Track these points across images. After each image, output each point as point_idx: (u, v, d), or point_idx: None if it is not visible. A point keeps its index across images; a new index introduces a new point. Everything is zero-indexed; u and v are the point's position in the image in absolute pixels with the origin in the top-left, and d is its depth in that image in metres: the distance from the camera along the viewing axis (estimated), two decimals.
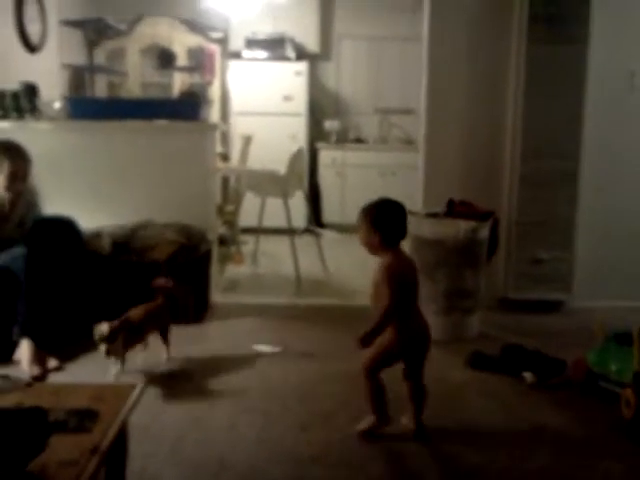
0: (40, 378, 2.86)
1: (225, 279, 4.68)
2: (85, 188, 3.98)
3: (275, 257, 5.40)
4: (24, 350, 2.99)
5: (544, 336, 3.43)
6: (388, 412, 2.40)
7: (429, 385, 2.46)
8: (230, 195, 5.80)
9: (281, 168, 4.92)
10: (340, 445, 2.34)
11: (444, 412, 2.63)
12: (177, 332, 3.40)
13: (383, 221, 2.38)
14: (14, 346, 3.02)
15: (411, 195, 4.30)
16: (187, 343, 3.33)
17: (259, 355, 3.23)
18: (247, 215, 5.52)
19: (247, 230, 5.66)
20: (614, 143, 4.07)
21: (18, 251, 3.14)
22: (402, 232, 2.42)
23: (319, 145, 6.89)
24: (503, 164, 4.03)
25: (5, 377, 1.90)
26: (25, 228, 3.32)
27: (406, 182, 5.85)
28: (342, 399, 2.72)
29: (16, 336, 3.02)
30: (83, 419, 1.63)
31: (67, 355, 3.09)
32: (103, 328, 2.64)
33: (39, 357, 2.97)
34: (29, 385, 1.89)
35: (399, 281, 2.30)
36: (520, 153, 3.93)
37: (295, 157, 5.02)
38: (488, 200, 3.83)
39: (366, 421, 2.40)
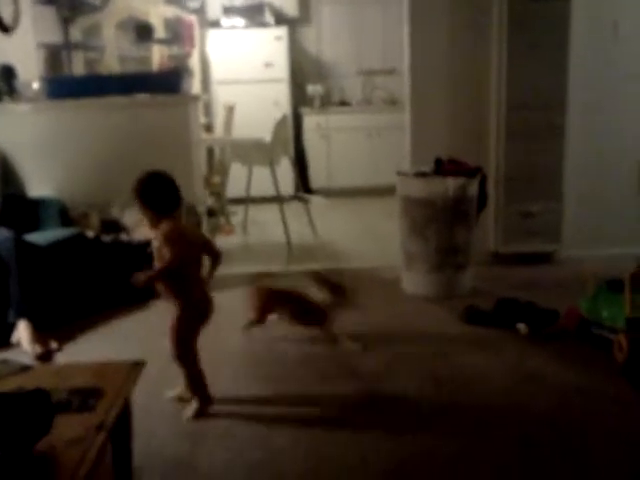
0: (44, 357, 2.88)
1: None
2: (68, 168, 3.95)
3: (265, 226, 5.40)
4: (23, 331, 3.00)
5: (536, 288, 3.47)
6: (208, 392, 2.40)
7: (424, 340, 2.49)
8: (216, 166, 5.76)
9: (266, 136, 4.89)
10: (338, 406, 2.36)
11: (441, 366, 2.68)
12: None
13: (150, 195, 2.36)
14: (10, 329, 3.03)
15: (398, 155, 4.30)
16: None
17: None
18: (234, 185, 5.50)
19: (235, 200, 5.64)
20: (599, 93, 4.06)
21: (3, 234, 3.12)
22: (172, 202, 2.38)
23: (303, 110, 6.83)
24: (489, 119, 4.01)
25: (4, 361, 1.90)
26: None
27: (393, 143, 5.85)
28: (337, 360, 2.76)
29: (12, 318, 3.03)
30: (86, 398, 1.64)
31: (64, 336, 3.10)
32: None
33: (39, 337, 2.98)
34: (30, 367, 1.90)
35: (179, 240, 2.29)
36: (505, 107, 3.91)
37: (279, 124, 4.98)
38: (476, 156, 3.83)
39: (191, 407, 2.37)
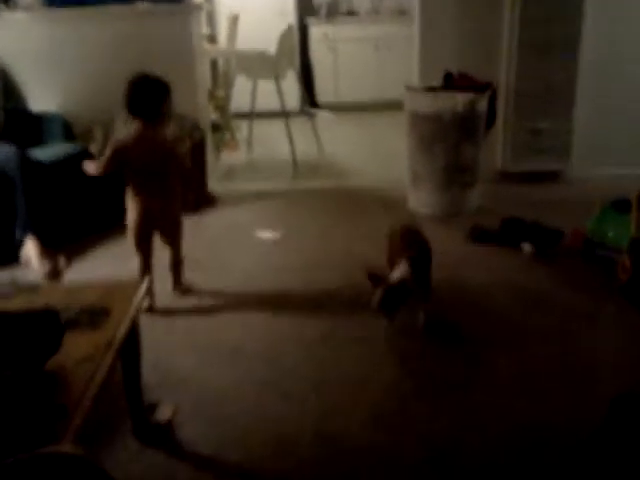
0: (53, 273, 2.91)
1: (221, 167, 4.64)
2: (69, 80, 3.86)
3: (270, 141, 5.33)
4: (31, 247, 3.01)
5: (543, 207, 3.44)
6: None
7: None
8: (220, 79, 5.61)
9: (271, 48, 4.73)
10: (345, 323, 2.41)
11: (446, 285, 2.70)
12: None
13: (135, 100, 2.48)
14: (18, 247, 3.05)
15: (407, 69, 4.17)
16: (188, 232, 3.36)
17: (261, 241, 3.27)
18: (239, 99, 5.38)
19: (240, 115, 5.54)
20: (616, 8, 3.87)
21: (7, 150, 3.09)
22: (155, 107, 2.48)
23: (309, 20, 6.58)
24: (501, 32, 3.85)
25: (13, 279, 1.92)
26: None
27: (402, 55, 5.64)
28: (345, 276, 2.79)
29: (19, 235, 3.04)
30: (95, 316, 1.66)
31: (71, 253, 3.11)
32: None
33: (48, 253, 3.00)
34: (38, 286, 1.92)
35: (120, 148, 2.47)
36: (519, 19, 3.75)
37: (285, 35, 4.82)
38: (486, 71, 3.72)
39: None
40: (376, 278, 2.29)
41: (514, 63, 3.83)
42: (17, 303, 1.64)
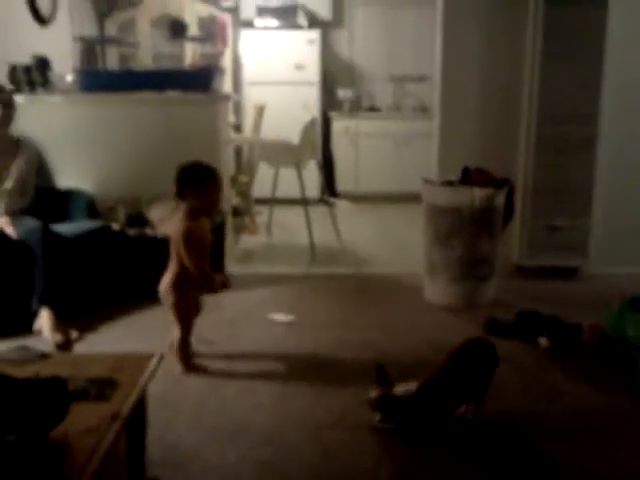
0: (64, 345, 2.91)
1: (239, 250, 4.70)
2: (97, 161, 4.00)
3: (289, 227, 5.41)
4: (45, 319, 3.03)
5: (560, 302, 3.42)
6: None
7: (445, 348, 2.46)
8: (243, 166, 5.79)
9: (294, 138, 4.89)
10: (356, 411, 2.36)
11: None
12: None
13: (190, 178, 2.65)
14: (33, 317, 3.07)
15: (426, 164, 4.27)
16: (205, 312, 3.36)
17: (275, 324, 3.26)
18: (261, 186, 5.52)
19: (261, 201, 5.66)
20: (634, 108, 3.99)
21: (32, 223, 3.17)
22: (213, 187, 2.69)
23: (332, 114, 6.83)
24: (519, 130, 3.96)
25: (24, 347, 1.92)
26: (28, 188, 3.38)
27: (420, 151, 5.82)
28: (357, 366, 2.74)
29: (35, 306, 3.07)
30: (103, 388, 1.65)
31: (85, 326, 3.13)
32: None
33: (60, 326, 3.02)
34: (48, 355, 1.91)
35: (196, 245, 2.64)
36: (537, 118, 3.86)
37: (308, 127, 4.99)
38: (504, 167, 3.79)
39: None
40: (382, 376, 2.26)
41: (531, 160, 3.91)
42: (26, 370, 1.64)
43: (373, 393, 2.24)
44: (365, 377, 2.56)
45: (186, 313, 2.69)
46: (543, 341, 2.94)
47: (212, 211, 2.77)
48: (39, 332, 3.02)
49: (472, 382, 2.29)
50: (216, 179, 2.68)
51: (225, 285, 2.67)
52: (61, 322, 3.03)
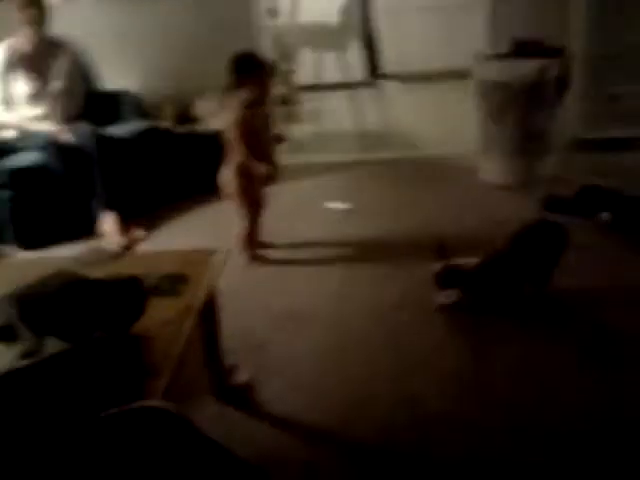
0: (129, 247, 3.01)
1: (290, 139, 4.66)
2: (139, 59, 3.96)
3: (336, 113, 5.30)
4: (108, 222, 3.12)
5: (622, 175, 3.31)
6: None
7: (503, 228, 2.45)
8: (284, 53, 5.61)
9: (334, 18, 4.69)
10: (419, 291, 2.40)
11: None
12: None
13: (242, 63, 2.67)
14: (94, 221, 3.16)
15: (476, 36, 4.06)
16: None
17: (332, 212, 3.28)
18: (304, 72, 5.37)
19: (305, 88, 5.53)
20: None
21: (86, 128, 3.20)
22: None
23: None
24: None
25: (96, 249, 2.00)
26: (76, 90, 3.40)
27: (471, 22, 5.50)
28: (416, 248, 2.76)
29: (96, 210, 3.15)
30: (175, 283, 1.71)
31: (146, 225, 3.22)
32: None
33: (125, 227, 3.11)
34: (119, 255, 1.99)
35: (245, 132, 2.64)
36: None
37: (348, 5, 4.76)
38: (559, 34, 3.58)
39: None
40: (443, 252, 2.28)
41: (589, 25, 3.68)
42: (101, 271, 1.71)
43: (436, 267, 2.27)
44: (425, 259, 2.59)
45: (250, 201, 2.73)
46: (605, 216, 2.88)
47: (266, 100, 2.74)
48: (104, 235, 3.11)
49: (538, 263, 2.29)
50: (269, 67, 2.69)
51: (271, 177, 2.68)
52: (124, 223, 3.11)
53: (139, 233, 3.10)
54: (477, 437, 1.69)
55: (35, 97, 3.31)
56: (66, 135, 3.17)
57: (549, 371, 1.94)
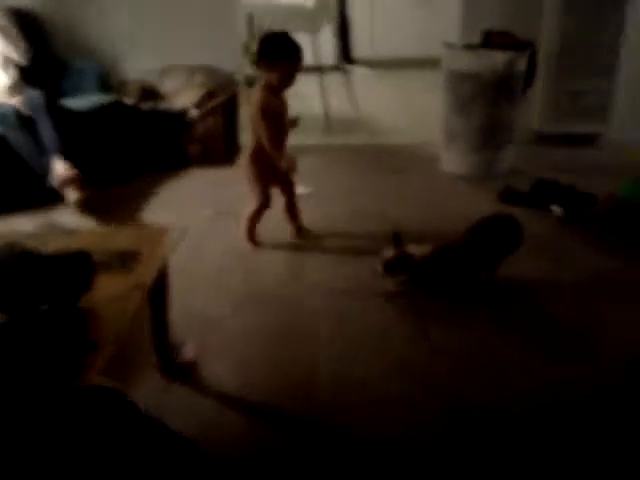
0: (82, 202, 2.94)
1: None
2: (107, 32, 3.89)
3: (304, 96, 5.29)
4: (60, 169, 2.98)
5: (578, 171, 3.39)
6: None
7: (458, 219, 2.51)
8: (256, 33, 5.57)
9: (309, 0, 4.67)
10: (369, 278, 2.44)
11: None
12: (208, 174, 3.47)
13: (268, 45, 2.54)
14: (47, 175, 3.01)
15: (448, 25, 4.09)
16: (219, 185, 3.41)
17: None
18: None
19: None
20: None
21: (33, 93, 3.15)
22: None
23: None
24: None
25: (50, 224, 1.99)
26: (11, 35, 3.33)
27: (443, 11, 5.53)
28: (373, 236, 2.80)
29: (47, 161, 3.01)
30: (125, 260, 1.72)
31: (105, 198, 3.18)
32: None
33: (76, 177, 2.97)
34: (73, 231, 1.99)
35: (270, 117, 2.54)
36: None
37: None
38: (528, 29, 3.63)
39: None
40: (398, 239, 2.32)
41: (557, 20, 3.73)
42: (53, 245, 1.70)
43: (388, 253, 2.30)
44: (381, 247, 2.64)
45: (261, 187, 2.66)
46: (557, 210, 2.96)
47: (289, 86, 2.58)
48: (59, 185, 2.96)
49: (492, 256, 2.34)
50: (300, 52, 2.53)
51: (292, 169, 2.59)
52: (77, 172, 2.99)
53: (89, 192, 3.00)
54: (420, 419, 1.74)
55: None
56: (21, 106, 3.10)
57: (493, 356, 2.00)
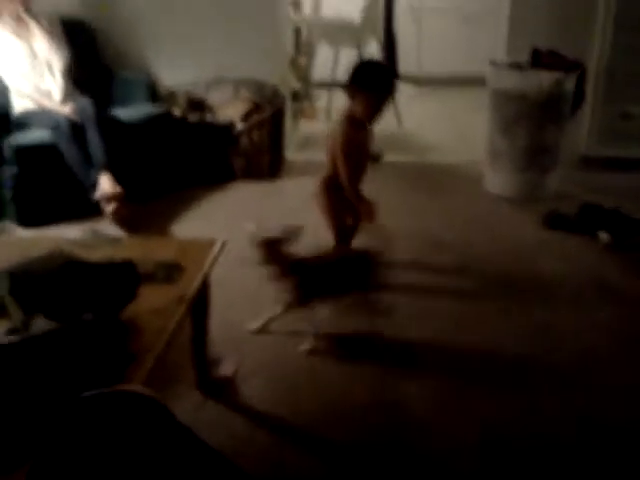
0: (120, 215, 2.98)
1: (299, 135, 4.67)
2: (156, 45, 3.96)
3: None
4: (106, 184, 3.02)
5: (626, 196, 3.31)
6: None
7: (502, 243, 2.46)
8: (302, 47, 5.62)
9: (355, 16, 4.70)
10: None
11: (515, 269, 2.68)
12: (253, 188, 3.50)
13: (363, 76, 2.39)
14: (94, 188, 3.05)
15: (495, 44, 4.05)
16: (263, 199, 3.42)
17: None
18: (320, 68, 5.37)
19: (320, 84, 5.53)
20: None
21: (84, 101, 3.22)
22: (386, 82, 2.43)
23: None
24: (597, 6, 3.68)
25: (95, 232, 2.03)
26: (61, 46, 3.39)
27: (490, 30, 5.48)
28: (416, 253, 2.78)
29: (94, 175, 3.05)
30: (170, 271, 1.73)
31: (150, 210, 3.23)
32: None
33: (119, 195, 3.01)
34: (118, 240, 2.02)
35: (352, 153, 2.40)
36: None
37: (370, 4, 4.77)
38: (577, 49, 3.57)
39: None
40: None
41: (608, 41, 3.67)
42: (98, 254, 1.73)
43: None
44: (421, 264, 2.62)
45: (334, 218, 2.50)
46: (604, 236, 2.89)
47: (375, 119, 2.42)
48: (102, 199, 3.02)
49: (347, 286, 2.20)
50: (393, 84, 2.41)
51: (370, 216, 2.37)
52: (121, 188, 3.03)
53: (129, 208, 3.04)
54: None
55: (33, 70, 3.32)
56: (73, 114, 3.16)
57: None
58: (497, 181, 3.56)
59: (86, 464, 0.99)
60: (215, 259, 1.86)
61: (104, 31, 3.85)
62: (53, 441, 1.01)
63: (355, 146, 2.37)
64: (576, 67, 3.40)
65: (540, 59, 3.45)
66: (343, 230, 2.52)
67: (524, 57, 3.48)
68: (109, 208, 3.02)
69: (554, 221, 3.06)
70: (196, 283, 1.70)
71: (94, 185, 3.06)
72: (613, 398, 1.90)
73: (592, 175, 3.73)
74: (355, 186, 2.38)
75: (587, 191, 3.42)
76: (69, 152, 3.08)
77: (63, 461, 0.99)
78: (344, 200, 2.45)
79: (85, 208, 3.10)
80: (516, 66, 3.46)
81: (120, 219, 3.01)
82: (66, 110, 3.18)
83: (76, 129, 3.10)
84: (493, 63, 3.56)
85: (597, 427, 1.78)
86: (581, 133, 3.84)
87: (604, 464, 1.65)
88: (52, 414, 1.07)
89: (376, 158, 2.47)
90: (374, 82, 2.34)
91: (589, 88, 3.71)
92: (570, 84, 3.37)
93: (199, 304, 1.80)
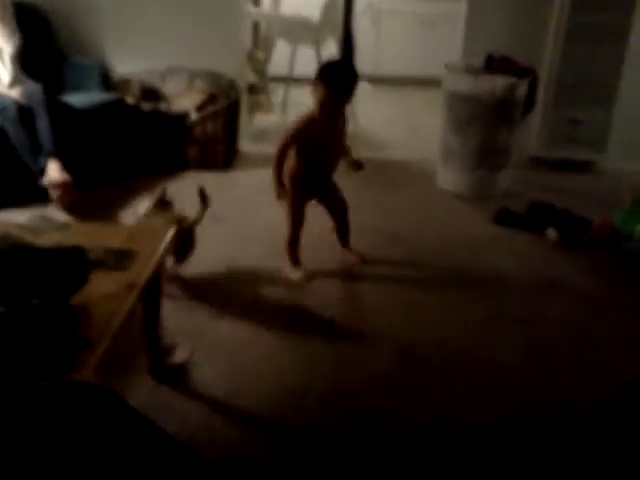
0: (66, 201, 2.93)
1: (253, 128, 4.65)
2: (112, 32, 3.88)
3: (304, 107, 5.30)
4: (53, 170, 2.97)
5: (573, 196, 3.41)
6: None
7: (453, 238, 2.51)
8: (260, 42, 5.60)
9: (315, 14, 4.70)
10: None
11: (466, 263, 2.73)
12: (206, 178, 3.47)
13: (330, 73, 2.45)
14: (42, 175, 2.99)
15: (451, 48, 4.12)
16: (217, 189, 3.39)
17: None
18: (277, 63, 5.36)
19: (277, 79, 5.52)
20: None
21: (33, 86, 3.14)
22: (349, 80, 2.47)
23: None
24: (551, 17, 3.78)
25: (44, 217, 1.97)
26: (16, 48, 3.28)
27: (446, 34, 5.57)
28: (370, 247, 2.81)
29: (42, 161, 2.99)
30: (121, 258, 1.70)
31: (100, 197, 3.17)
32: None
33: (66, 182, 2.96)
34: (68, 225, 1.97)
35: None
36: (570, 4, 3.67)
37: (329, 3, 4.78)
38: (530, 55, 3.66)
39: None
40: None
41: (559, 49, 3.76)
42: (47, 239, 1.69)
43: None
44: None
45: (292, 210, 2.57)
46: (552, 233, 2.97)
47: (329, 118, 2.47)
48: (50, 186, 2.96)
49: None
50: (353, 89, 2.44)
51: (359, 166, 2.56)
52: (69, 174, 2.98)
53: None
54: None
55: None
56: (21, 98, 3.08)
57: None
58: (449, 178, 3.62)
59: (38, 455, 0.96)
60: (168, 246, 1.83)
61: (59, 15, 3.76)
62: (3, 432, 0.98)
63: (310, 139, 2.45)
64: (528, 73, 3.49)
65: (493, 64, 3.53)
66: (298, 223, 2.59)
67: (479, 61, 3.55)
68: (56, 194, 2.96)
69: (504, 218, 3.14)
70: (148, 270, 1.67)
71: (42, 171, 2.99)
72: (561, 390, 1.95)
73: (541, 175, 3.83)
74: (276, 173, 2.48)
75: (536, 190, 3.52)
76: (16, 136, 3.00)
77: (14, 452, 0.96)
78: (305, 198, 2.56)
79: (34, 193, 3.02)
80: (471, 70, 3.53)
81: (67, 206, 2.95)
82: (14, 94, 3.09)
83: (24, 113, 3.01)
84: (448, 66, 3.62)
85: (545, 416, 1.83)
86: (531, 135, 3.94)
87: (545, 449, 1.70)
88: (2, 402, 1.04)
89: (359, 165, 2.50)
90: (333, 77, 2.37)
91: (540, 94, 3.80)
92: (522, 89, 3.46)
93: (151, 291, 1.78)
